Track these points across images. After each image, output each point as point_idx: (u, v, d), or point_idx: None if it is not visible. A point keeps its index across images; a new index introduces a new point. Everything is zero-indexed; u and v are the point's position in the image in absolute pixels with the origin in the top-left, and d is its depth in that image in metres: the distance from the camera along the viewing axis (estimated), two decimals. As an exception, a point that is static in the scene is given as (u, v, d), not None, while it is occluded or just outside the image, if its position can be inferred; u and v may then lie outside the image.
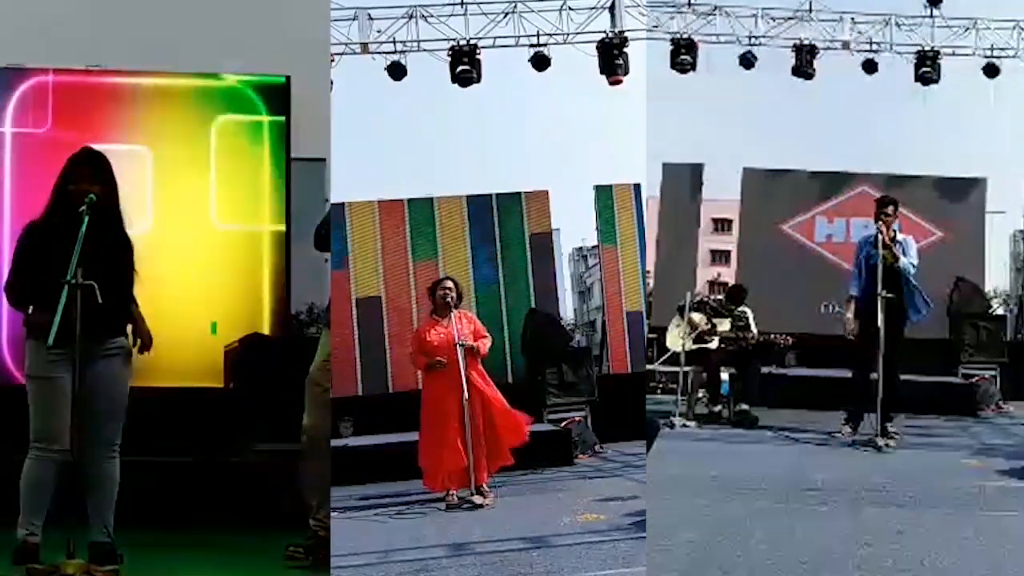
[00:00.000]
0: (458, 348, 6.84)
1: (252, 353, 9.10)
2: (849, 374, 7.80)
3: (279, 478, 7.99)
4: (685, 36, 12.22)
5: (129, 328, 5.03)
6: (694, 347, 8.94)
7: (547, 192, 11.15)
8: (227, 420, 8.70)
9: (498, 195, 11.03)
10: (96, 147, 5.14)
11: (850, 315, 7.65)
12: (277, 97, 9.98)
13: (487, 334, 7.18)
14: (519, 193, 11.06)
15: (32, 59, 9.86)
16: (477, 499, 6.70)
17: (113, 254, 4.89)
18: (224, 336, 9.67)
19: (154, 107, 10.02)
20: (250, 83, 10.10)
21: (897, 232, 7.53)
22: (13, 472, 4.87)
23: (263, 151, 10.02)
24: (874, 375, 7.38)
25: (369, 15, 11.61)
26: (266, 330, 9.78)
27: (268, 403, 8.50)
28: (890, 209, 7.57)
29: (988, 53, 12.37)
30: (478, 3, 11.55)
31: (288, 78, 9.94)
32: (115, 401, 4.94)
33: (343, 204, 10.53)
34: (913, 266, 7.52)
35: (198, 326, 9.68)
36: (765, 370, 9.62)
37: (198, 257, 9.91)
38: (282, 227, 9.93)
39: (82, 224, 4.62)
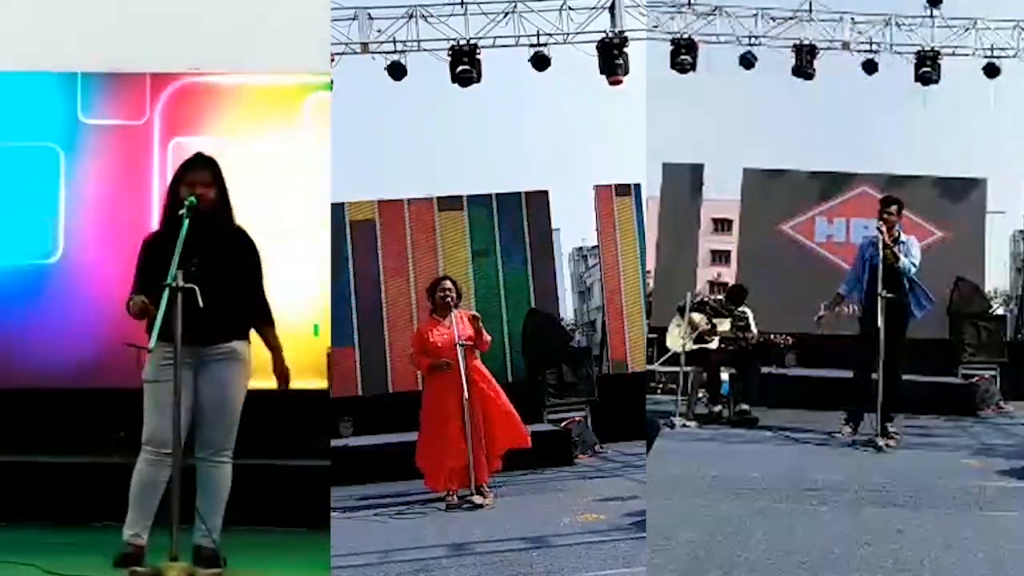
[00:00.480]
0: (458, 348, 6.84)
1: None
2: (849, 374, 7.81)
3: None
4: (685, 36, 12.21)
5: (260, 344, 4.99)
6: (694, 347, 8.94)
7: (547, 192, 11.16)
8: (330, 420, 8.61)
9: (498, 195, 11.03)
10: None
11: (826, 312, 7.81)
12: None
13: (485, 332, 7.18)
14: (519, 193, 11.06)
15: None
16: (477, 499, 6.70)
17: (223, 258, 4.84)
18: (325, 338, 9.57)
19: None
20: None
21: (900, 232, 7.53)
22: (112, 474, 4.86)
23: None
24: (875, 375, 7.39)
25: (369, 15, 11.61)
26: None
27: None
28: (893, 209, 7.56)
29: (988, 53, 12.37)
30: (478, 3, 11.55)
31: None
32: (224, 406, 4.88)
33: (343, 204, 10.54)
34: (914, 266, 7.53)
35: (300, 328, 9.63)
36: (765, 370, 9.63)
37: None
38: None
39: (182, 227, 4.60)
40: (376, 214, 10.75)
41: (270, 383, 5.10)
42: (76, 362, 8.91)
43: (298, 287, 9.50)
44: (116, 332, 8.59)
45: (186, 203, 4.70)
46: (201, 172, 4.92)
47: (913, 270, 7.51)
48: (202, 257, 4.64)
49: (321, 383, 9.35)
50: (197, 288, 4.45)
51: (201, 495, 4.87)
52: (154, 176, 9.37)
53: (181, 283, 4.44)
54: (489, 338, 7.15)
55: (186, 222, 4.62)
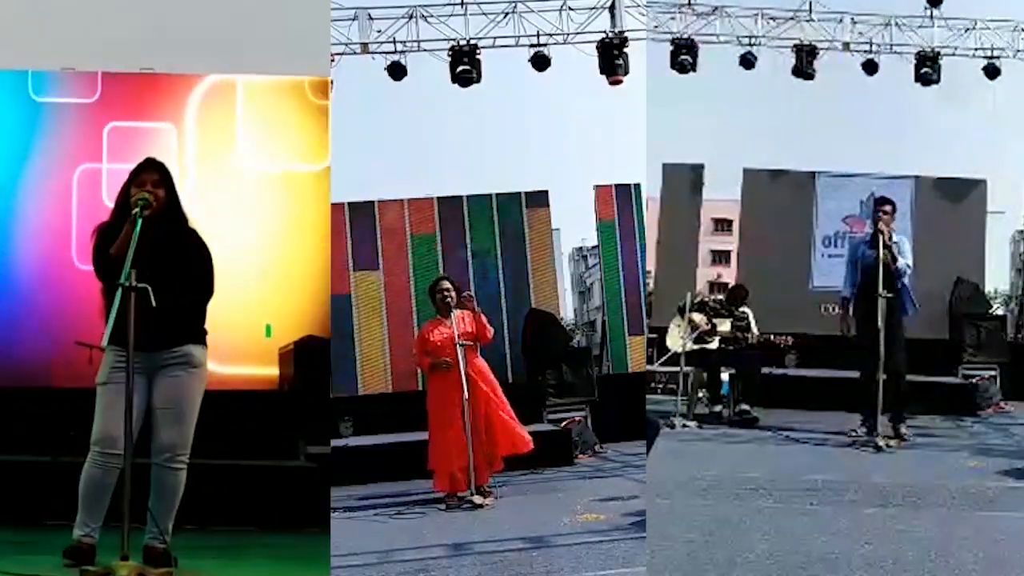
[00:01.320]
0: (458, 348, 6.85)
1: (307, 355, 9.05)
2: (849, 374, 7.80)
3: (330, 480, 7.98)
4: (685, 36, 12.21)
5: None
6: (694, 347, 8.94)
7: (547, 192, 11.15)
8: (281, 423, 8.68)
9: (498, 195, 11.03)
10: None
11: (847, 316, 7.70)
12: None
13: (487, 324, 7.18)
14: (519, 193, 11.05)
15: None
16: (477, 499, 6.70)
17: (175, 259, 4.82)
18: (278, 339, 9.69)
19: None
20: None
21: (892, 233, 7.54)
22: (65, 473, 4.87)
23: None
24: (879, 375, 7.38)
25: (369, 15, 11.61)
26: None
27: (322, 406, 8.50)
28: (888, 208, 7.58)
29: (988, 53, 12.36)
30: (478, 3, 11.54)
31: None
32: (177, 409, 4.87)
33: (343, 204, 10.53)
34: (909, 267, 7.55)
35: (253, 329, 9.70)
36: (765, 370, 9.62)
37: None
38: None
39: (135, 226, 4.60)
40: (376, 214, 10.74)
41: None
42: (26, 361, 8.92)
43: (248, 289, 9.64)
44: (67, 331, 8.73)
45: (140, 201, 4.69)
46: (149, 174, 4.92)
47: (909, 271, 7.53)
48: (155, 258, 4.63)
49: (271, 383, 9.47)
50: (150, 288, 4.43)
51: (154, 497, 4.87)
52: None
53: (135, 283, 4.42)
54: (491, 330, 7.15)
55: (139, 221, 4.61)
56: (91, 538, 4.75)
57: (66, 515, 4.94)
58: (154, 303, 4.42)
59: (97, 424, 4.78)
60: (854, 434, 7.51)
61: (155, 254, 4.64)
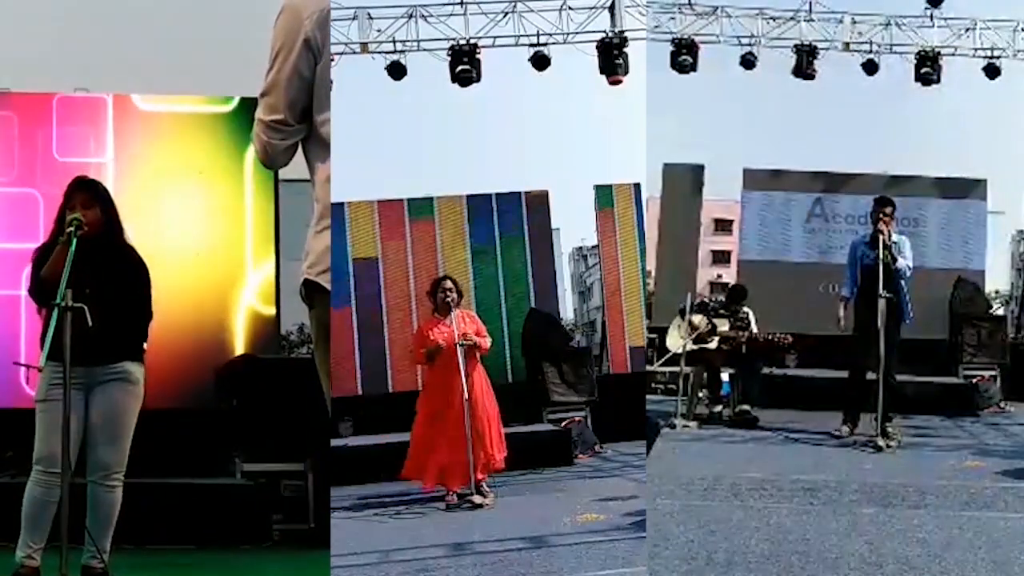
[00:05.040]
0: (458, 347, 6.84)
1: (243, 374, 9.06)
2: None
3: (268, 498, 8.10)
4: (685, 36, 12.21)
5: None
6: (694, 347, 8.93)
7: (547, 192, 11.15)
8: (217, 441, 8.73)
9: (498, 195, 11.03)
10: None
11: (842, 313, 7.76)
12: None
13: (487, 334, 7.19)
14: (519, 193, 11.06)
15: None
16: (477, 499, 6.70)
17: (112, 278, 4.88)
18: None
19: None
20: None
21: (893, 233, 7.55)
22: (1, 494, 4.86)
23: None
24: (870, 375, 7.40)
25: (369, 15, 11.61)
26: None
27: (258, 424, 8.56)
28: (888, 209, 7.59)
29: (988, 53, 12.36)
30: (478, 3, 11.54)
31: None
32: (114, 427, 4.90)
33: (343, 204, 10.53)
34: (909, 268, 7.56)
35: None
36: (765, 370, 9.62)
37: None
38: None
39: (70, 246, 4.62)
40: (376, 214, 10.74)
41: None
42: None
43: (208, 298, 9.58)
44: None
45: (72, 222, 4.71)
46: (83, 193, 4.95)
47: (908, 271, 7.54)
48: (90, 277, 4.67)
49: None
50: (86, 307, 4.45)
51: (91, 516, 4.89)
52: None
53: (70, 303, 4.44)
54: (488, 342, 7.15)
55: (74, 241, 4.63)
56: (34, 560, 4.77)
57: (4, 536, 4.97)
58: (90, 323, 4.44)
59: (39, 442, 4.79)
60: (837, 433, 7.55)
61: (91, 273, 4.69)
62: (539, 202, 11.05)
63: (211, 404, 9.28)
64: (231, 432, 8.71)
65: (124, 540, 5.07)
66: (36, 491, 4.76)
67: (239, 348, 9.62)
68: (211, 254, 9.83)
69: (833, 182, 12.15)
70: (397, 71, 11.70)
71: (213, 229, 9.88)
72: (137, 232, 5.24)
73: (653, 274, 12.55)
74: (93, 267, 4.74)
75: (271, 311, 9.83)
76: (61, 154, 9.68)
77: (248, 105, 9.58)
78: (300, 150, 3.25)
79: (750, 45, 12.49)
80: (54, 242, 4.82)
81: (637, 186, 11.45)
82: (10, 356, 8.56)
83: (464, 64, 11.48)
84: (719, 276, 41.34)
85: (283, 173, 9.76)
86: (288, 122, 3.12)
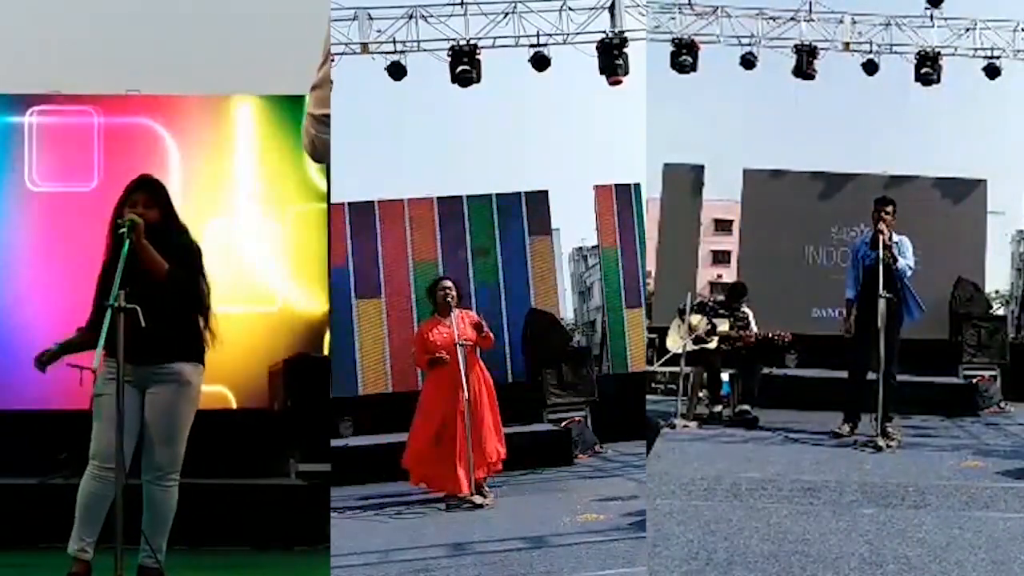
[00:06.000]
0: (458, 347, 6.85)
1: (298, 373, 9.01)
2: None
3: (323, 498, 8.05)
4: (685, 36, 12.21)
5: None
6: (694, 348, 8.93)
7: (547, 192, 11.15)
8: (273, 441, 8.70)
9: (498, 195, 11.03)
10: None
11: (848, 317, 7.76)
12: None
13: (489, 331, 7.19)
14: (519, 193, 11.06)
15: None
16: (477, 499, 6.71)
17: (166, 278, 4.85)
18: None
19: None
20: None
21: (893, 233, 7.55)
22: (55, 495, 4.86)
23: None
24: (870, 375, 7.40)
25: (369, 15, 11.60)
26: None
27: (313, 424, 8.53)
28: (889, 209, 7.59)
29: (988, 53, 12.36)
30: (478, 3, 11.54)
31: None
32: (168, 429, 4.88)
33: (343, 204, 10.54)
34: (910, 268, 7.55)
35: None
36: (765, 370, 9.61)
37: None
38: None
39: (123, 248, 4.61)
40: (376, 214, 10.74)
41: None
42: (17, 384, 8.75)
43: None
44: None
45: (126, 223, 4.70)
46: (141, 193, 4.94)
47: (910, 271, 7.54)
48: (145, 277, 4.66)
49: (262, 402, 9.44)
50: (139, 308, 4.45)
51: (147, 516, 4.89)
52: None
53: (123, 303, 4.44)
54: (492, 337, 7.16)
55: (127, 243, 4.63)
56: (87, 552, 4.76)
57: (57, 537, 4.97)
58: (143, 324, 4.44)
59: (95, 438, 4.79)
60: (838, 434, 7.55)
61: (144, 273, 4.66)
62: (539, 202, 11.06)
63: (266, 404, 9.33)
64: (286, 432, 8.67)
65: (179, 541, 5.05)
66: (91, 485, 4.76)
67: (293, 347, 9.60)
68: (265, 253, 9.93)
69: (833, 182, 12.15)
70: (397, 71, 11.70)
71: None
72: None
73: (653, 274, 12.55)
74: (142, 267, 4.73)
75: (324, 310, 9.89)
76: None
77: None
78: None
79: (750, 45, 12.49)
80: (115, 254, 4.77)
81: (637, 186, 11.45)
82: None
83: (464, 64, 11.47)
84: (719, 276, 41.27)
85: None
86: None
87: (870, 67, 12.51)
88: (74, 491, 4.81)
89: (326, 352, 9.84)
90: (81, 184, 9.71)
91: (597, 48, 11.59)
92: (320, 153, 3.14)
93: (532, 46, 11.64)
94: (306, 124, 3.10)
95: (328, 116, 3.02)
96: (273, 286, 9.93)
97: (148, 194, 4.95)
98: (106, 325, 4.40)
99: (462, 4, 11.49)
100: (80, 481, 4.80)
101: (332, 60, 3.80)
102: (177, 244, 4.96)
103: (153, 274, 4.75)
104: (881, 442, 7.10)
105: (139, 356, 4.60)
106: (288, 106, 9.90)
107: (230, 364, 8.85)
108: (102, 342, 4.37)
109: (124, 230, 4.68)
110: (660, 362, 9.42)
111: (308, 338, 9.78)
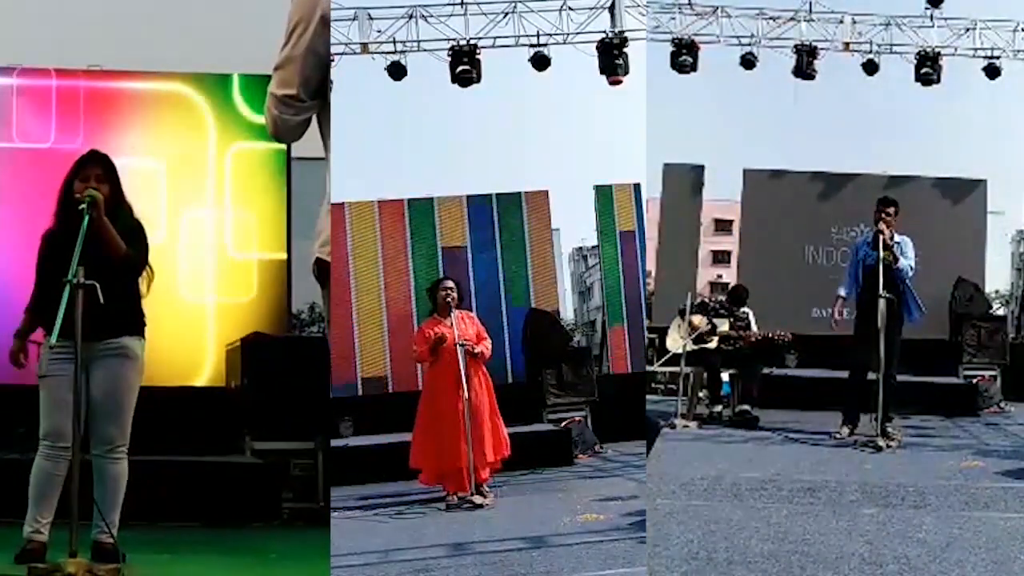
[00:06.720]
0: (458, 348, 6.85)
1: (253, 352, 9.10)
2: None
3: (277, 476, 8.11)
4: (685, 36, 12.21)
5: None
6: (694, 348, 8.93)
7: (547, 192, 11.15)
8: (227, 419, 8.74)
9: (498, 195, 11.03)
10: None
11: (836, 312, 7.79)
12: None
13: (487, 336, 7.20)
14: (519, 193, 11.05)
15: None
16: (477, 499, 6.70)
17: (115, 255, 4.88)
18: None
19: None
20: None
21: (895, 233, 7.54)
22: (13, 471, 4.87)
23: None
24: (871, 375, 7.40)
25: (369, 15, 11.61)
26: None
27: (268, 402, 8.58)
28: (891, 210, 7.59)
29: (988, 53, 12.37)
30: (478, 3, 11.54)
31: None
32: (116, 401, 4.91)
33: (343, 204, 10.54)
34: (911, 268, 7.56)
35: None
36: (765, 370, 9.61)
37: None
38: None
39: (83, 223, 4.61)
40: (376, 214, 10.74)
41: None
42: None
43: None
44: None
45: (86, 199, 4.69)
46: (95, 168, 4.93)
47: (911, 272, 7.54)
48: (97, 253, 4.65)
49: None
50: (98, 286, 4.45)
51: (98, 490, 4.91)
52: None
53: (82, 280, 4.44)
54: (490, 349, 7.15)
55: (87, 218, 4.62)
56: (41, 534, 4.78)
57: (13, 513, 4.98)
58: (102, 300, 4.45)
59: (44, 418, 4.81)
60: (838, 436, 7.55)
61: (98, 248, 4.66)
62: (539, 202, 11.05)
63: (221, 382, 9.37)
64: (241, 410, 8.70)
65: (134, 517, 5.08)
66: (44, 465, 4.78)
67: (249, 326, 9.68)
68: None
69: (833, 182, 12.15)
70: (397, 71, 11.70)
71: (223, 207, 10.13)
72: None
73: (653, 274, 12.55)
74: (99, 243, 4.72)
75: (282, 289, 9.94)
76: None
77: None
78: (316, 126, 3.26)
79: (750, 45, 12.50)
80: (65, 227, 4.80)
81: (637, 186, 11.45)
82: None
83: (464, 64, 11.47)
84: (719, 276, 41.32)
85: (296, 151, 9.97)
86: (300, 97, 3.13)
87: (870, 67, 12.52)
88: (30, 466, 4.82)
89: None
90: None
91: (597, 48, 11.59)
92: (282, 133, 3.16)
93: (532, 46, 11.65)
94: (268, 104, 3.11)
95: (290, 97, 3.03)
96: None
97: (101, 169, 4.95)
98: (64, 301, 4.40)
99: (462, 4, 11.49)
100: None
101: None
102: (127, 221, 4.98)
103: (111, 251, 4.74)
104: (881, 442, 7.10)
105: (86, 332, 4.57)
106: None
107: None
108: (60, 319, 4.36)
109: (84, 206, 4.67)
110: (660, 362, 9.42)
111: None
